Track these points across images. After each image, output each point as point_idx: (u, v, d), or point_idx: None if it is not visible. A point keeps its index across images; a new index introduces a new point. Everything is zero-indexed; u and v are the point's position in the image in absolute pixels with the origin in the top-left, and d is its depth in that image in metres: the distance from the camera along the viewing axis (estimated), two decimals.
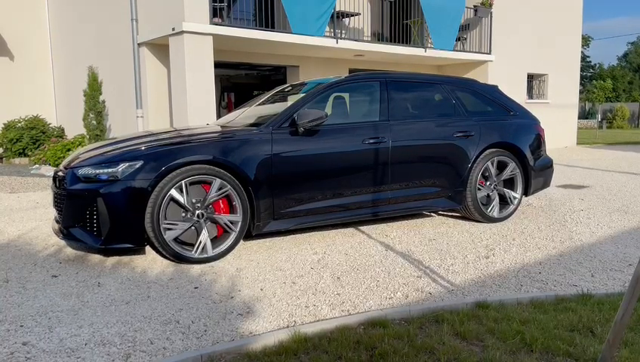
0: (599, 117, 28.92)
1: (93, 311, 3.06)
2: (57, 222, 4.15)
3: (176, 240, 3.91)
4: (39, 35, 12.64)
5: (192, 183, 3.94)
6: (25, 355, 2.51)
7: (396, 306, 3.14)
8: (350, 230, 5.04)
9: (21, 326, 2.86)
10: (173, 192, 3.84)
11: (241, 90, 14.80)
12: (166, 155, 3.89)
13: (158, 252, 4.09)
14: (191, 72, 8.23)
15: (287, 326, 2.83)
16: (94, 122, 10.22)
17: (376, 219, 5.14)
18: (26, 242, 4.68)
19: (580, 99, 20.43)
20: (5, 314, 3.01)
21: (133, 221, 3.78)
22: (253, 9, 10.98)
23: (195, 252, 3.95)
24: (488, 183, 5.35)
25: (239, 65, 11.58)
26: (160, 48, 9.28)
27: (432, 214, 5.79)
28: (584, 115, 35.24)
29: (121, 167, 3.79)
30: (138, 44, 9.32)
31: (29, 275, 3.75)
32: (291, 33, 9.31)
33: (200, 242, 3.96)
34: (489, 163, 5.28)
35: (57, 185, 4.10)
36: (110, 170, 3.80)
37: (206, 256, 3.98)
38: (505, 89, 6.46)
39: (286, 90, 5.71)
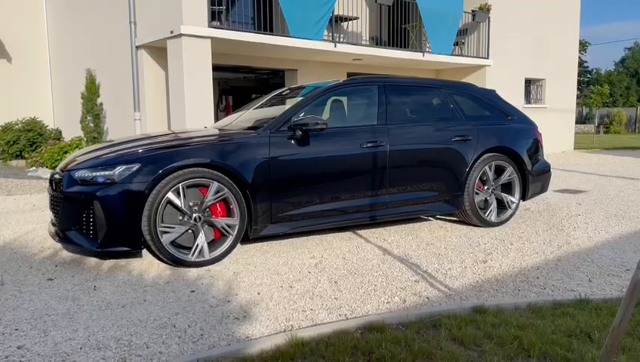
0: (596, 122, 29.01)
1: (89, 315, 3.04)
2: (54, 224, 4.13)
3: (173, 243, 3.89)
4: (37, 37, 12.62)
5: (189, 186, 3.93)
6: (20, 359, 2.49)
7: (394, 311, 3.13)
8: (348, 234, 5.03)
9: (16, 329, 2.83)
10: (171, 195, 3.83)
11: (240, 94, 14.80)
12: (163, 158, 3.88)
13: (154, 255, 4.08)
14: (189, 75, 8.22)
15: (284, 331, 2.82)
16: (92, 125, 10.20)
17: (374, 223, 5.13)
18: (21, 245, 4.65)
19: (578, 104, 20.51)
20: (0, 318, 2.99)
21: (129, 224, 3.76)
22: (252, 12, 10.99)
23: (192, 255, 3.94)
24: (486, 187, 5.35)
25: (238, 69, 11.58)
26: (158, 51, 9.27)
27: (430, 218, 5.78)
28: (581, 119, 35.33)
29: (118, 169, 3.78)
30: (136, 46, 9.31)
31: (24, 278, 3.72)
32: (290, 37, 9.32)
33: (197, 245, 3.95)
34: (487, 167, 5.28)
35: (54, 187, 4.09)
36: (107, 172, 3.78)
37: (203, 259, 3.97)
38: (503, 93, 6.47)
39: (284, 93, 5.70)
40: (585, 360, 2.38)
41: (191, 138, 4.39)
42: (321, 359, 2.42)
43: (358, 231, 5.13)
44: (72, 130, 11.24)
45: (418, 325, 2.81)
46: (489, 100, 5.71)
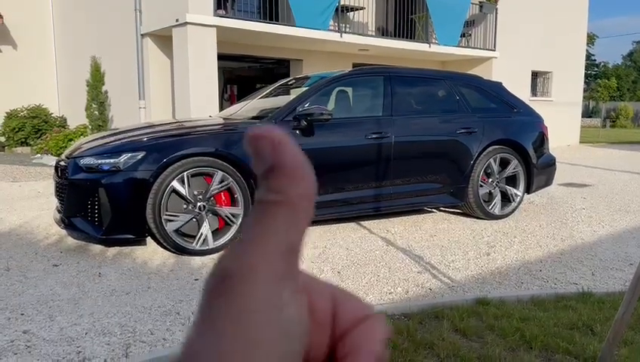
0: (603, 116, 28.84)
1: (94, 301, 3.07)
2: (59, 211, 4.16)
3: (177, 231, 3.91)
4: (42, 24, 12.60)
5: (193, 175, 3.94)
6: (25, 343, 2.52)
7: (396, 301, 3.15)
8: (351, 225, 5.04)
9: (22, 314, 2.86)
10: (175, 184, 3.84)
11: (244, 83, 14.76)
12: (168, 147, 3.89)
13: (158, 243, 4.10)
14: (194, 64, 8.20)
15: None
16: (97, 112, 10.22)
17: (378, 214, 5.14)
18: (27, 231, 4.68)
19: (584, 97, 20.36)
20: (6, 303, 3.02)
21: (134, 212, 3.78)
22: (258, 1, 10.93)
23: (196, 244, 3.95)
24: (490, 180, 5.34)
25: (243, 58, 11.55)
26: (163, 39, 9.25)
27: (434, 210, 5.78)
28: (588, 113, 35.13)
29: (124, 157, 3.79)
30: (141, 34, 9.29)
31: (30, 264, 3.75)
32: (295, 26, 9.27)
33: (201, 234, 3.96)
34: (492, 160, 5.26)
35: (59, 174, 4.10)
36: (112, 160, 3.79)
37: (207, 248, 3.99)
38: (509, 86, 6.43)
39: (289, 83, 5.69)
40: (586, 352, 2.39)
41: (196, 127, 4.40)
42: None
43: (362, 222, 5.13)
44: (77, 118, 11.25)
45: (421, 316, 2.82)
46: (495, 92, 5.68)
